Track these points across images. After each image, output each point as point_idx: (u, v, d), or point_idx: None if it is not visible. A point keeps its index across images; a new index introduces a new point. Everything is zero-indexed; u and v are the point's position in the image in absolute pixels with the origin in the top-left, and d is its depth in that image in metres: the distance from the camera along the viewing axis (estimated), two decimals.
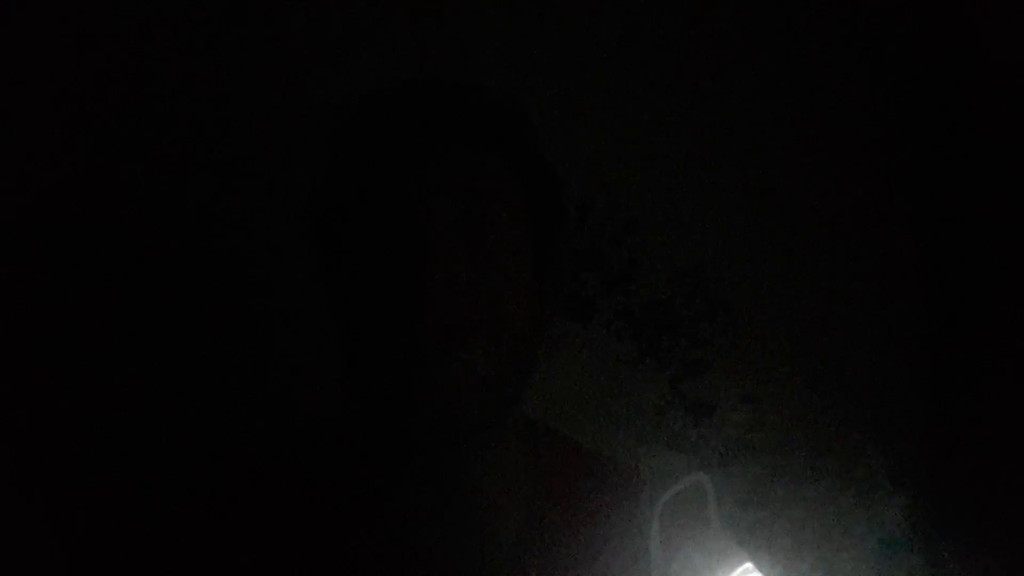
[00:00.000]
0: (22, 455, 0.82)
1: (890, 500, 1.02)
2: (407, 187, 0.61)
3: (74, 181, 0.85)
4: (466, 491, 0.64)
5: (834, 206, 1.09)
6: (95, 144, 0.86)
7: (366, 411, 0.67)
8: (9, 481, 0.81)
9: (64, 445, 0.83)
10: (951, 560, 0.98)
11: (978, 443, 1.06)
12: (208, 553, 0.65)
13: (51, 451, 0.83)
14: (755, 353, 1.06)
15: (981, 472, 1.05)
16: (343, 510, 0.66)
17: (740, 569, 0.57)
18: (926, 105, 1.11)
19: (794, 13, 1.06)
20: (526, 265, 0.64)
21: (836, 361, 1.09)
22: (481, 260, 0.61)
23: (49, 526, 0.81)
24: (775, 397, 1.06)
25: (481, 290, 0.61)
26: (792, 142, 1.07)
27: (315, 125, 0.86)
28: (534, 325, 0.64)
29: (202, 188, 0.89)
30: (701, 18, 1.03)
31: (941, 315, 1.13)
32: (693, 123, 1.03)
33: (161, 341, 0.87)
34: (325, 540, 0.65)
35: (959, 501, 1.06)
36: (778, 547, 0.99)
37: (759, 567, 0.58)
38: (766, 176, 1.06)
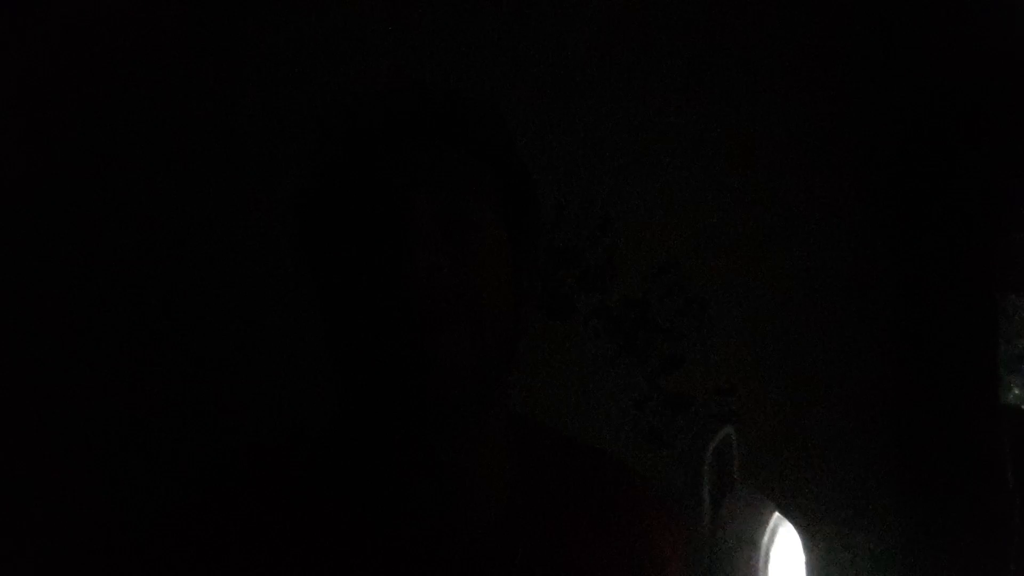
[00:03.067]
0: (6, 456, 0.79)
1: (870, 482, 1.06)
2: (390, 178, 0.63)
3: (59, 184, 0.82)
4: (449, 477, 0.65)
5: (806, 202, 1.13)
6: (78, 146, 0.83)
7: (349, 401, 0.67)
8: None
9: (51, 447, 0.80)
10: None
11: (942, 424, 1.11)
12: (197, 553, 0.64)
13: (36, 453, 0.80)
14: (729, 346, 1.09)
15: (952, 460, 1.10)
16: (330, 505, 0.66)
17: (773, 519, 0.58)
18: (899, 104, 1.17)
19: (763, 16, 1.11)
20: (504, 262, 0.67)
21: (809, 351, 1.13)
22: (461, 254, 0.63)
23: (32, 527, 0.78)
24: (750, 388, 1.09)
25: (461, 280, 0.62)
26: (764, 140, 1.12)
27: (301, 126, 0.86)
28: (512, 319, 0.66)
29: (187, 189, 0.87)
30: (674, 20, 1.07)
31: (913, 308, 1.18)
32: (666, 123, 1.07)
33: (148, 344, 0.85)
34: (312, 533, 0.65)
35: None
36: None
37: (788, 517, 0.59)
38: (738, 174, 1.10)
